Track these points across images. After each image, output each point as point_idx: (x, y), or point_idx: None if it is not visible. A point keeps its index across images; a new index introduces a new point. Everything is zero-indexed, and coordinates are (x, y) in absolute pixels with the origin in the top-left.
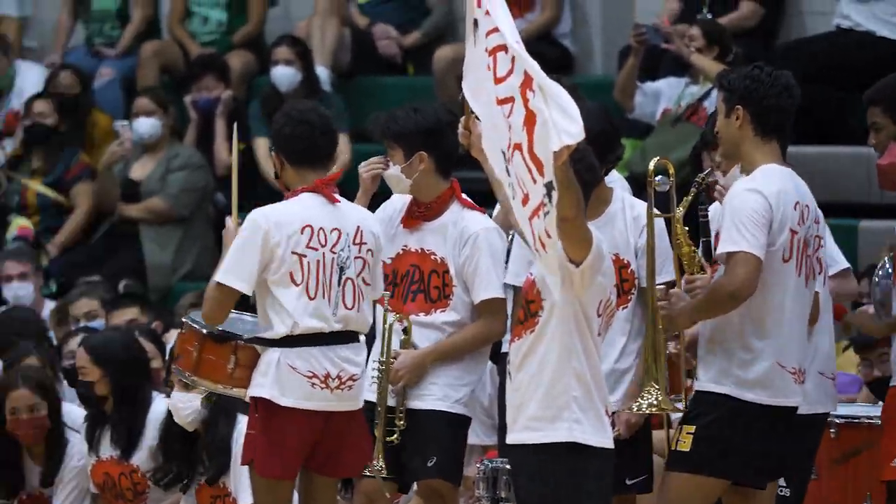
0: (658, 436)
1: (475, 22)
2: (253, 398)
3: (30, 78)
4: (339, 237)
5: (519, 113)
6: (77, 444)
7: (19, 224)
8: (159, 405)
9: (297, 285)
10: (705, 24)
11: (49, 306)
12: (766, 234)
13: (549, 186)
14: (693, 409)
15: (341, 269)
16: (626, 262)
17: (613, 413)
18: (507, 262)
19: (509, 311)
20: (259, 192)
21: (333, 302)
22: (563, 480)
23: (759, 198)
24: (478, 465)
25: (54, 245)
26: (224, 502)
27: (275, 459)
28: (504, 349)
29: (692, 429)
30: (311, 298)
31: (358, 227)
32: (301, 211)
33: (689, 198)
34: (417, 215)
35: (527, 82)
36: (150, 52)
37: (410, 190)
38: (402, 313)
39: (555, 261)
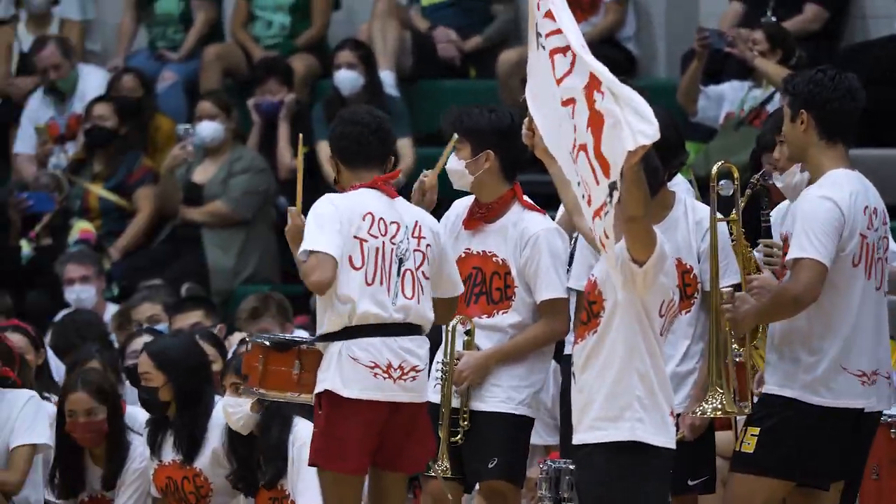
0: (721, 437)
1: (536, 26)
2: (317, 395)
3: (92, 82)
4: (398, 229)
5: (582, 114)
6: (139, 446)
7: (81, 227)
8: (220, 409)
9: (356, 269)
10: (769, 27)
11: (111, 310)
12: (837, 242)
13: (612, 187)
14: (758, 411)
15: (400, 261)
16: (688, 266)
17: (678, 416)
18: (569, 265)
19: (571, 313)
20: (322, 195)
21: (393, 291)
22: (622, 479)
23: (831, 205)
24: (541, 466)
25: (116, 249)
26: None
27: (341, 453)
28: (567, 350)
29: (756, 430)
30: (368, 284)
31: (416, 221)
32: (361, 200)
33: (744, 200)
34: (478, 216)
35: (592, 84)
36: (213, 56)
37: (471, 187)
38: (465, 315)
39: (612, 261)
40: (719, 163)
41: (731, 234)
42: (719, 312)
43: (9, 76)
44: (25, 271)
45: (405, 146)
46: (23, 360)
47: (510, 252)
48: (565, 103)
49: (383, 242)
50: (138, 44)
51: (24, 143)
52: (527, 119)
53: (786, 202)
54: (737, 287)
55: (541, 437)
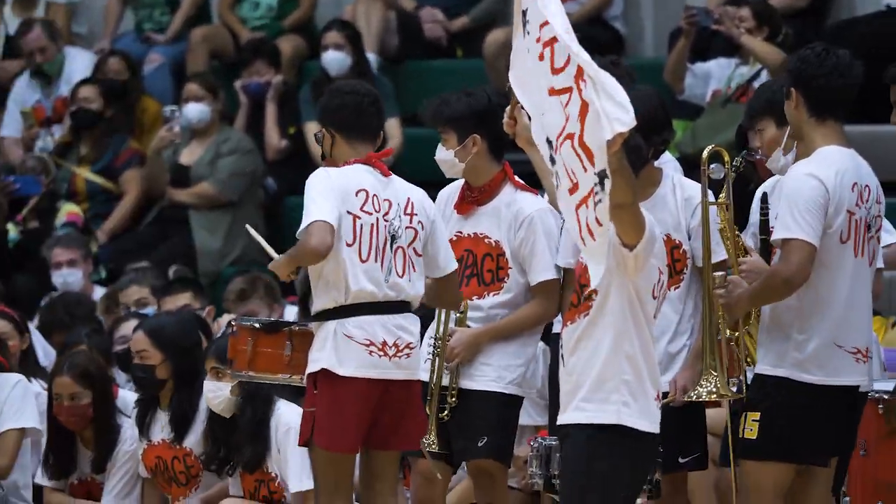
0: (711, 414)
1: (524, 12)
2: (311, 375)
3: (78, 64)
4: (390, 206)
5: (575, 103)
6: (129, 429)
7: (68, 210)
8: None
9: (348, 245)
10: (756, 4)
11: (98, 292)
12: (823, 220)
13: (601, 175)
14: (754, 394)
15: (393, 238)
16: (677, 242)
17: (670, 382)
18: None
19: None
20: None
21: (386, 268)
22: (602, 458)
23: (816, 182)
24: (531, 444)
25: (103, 231)
26: (269, 487)
27: (335, 431)
28: (555, 330)
29: (757, 416)
30: (363, 261)
31: (408, 198)
32: (356, 176)
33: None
34: (471, 200)
35: (579, 73)
36: (200, 38)
37: (464, 173)
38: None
39: (602, 249)
40: (710, 147)
41: (720, 218)
42: (712, 296)
43: None
44: (12, 255)
45: (393, 126)
46: (4, 344)
47: (504, 233)
48: (560, 91)
49: (377, 219)
50: (125, 26)
51: (10, 126)
52: (509, 107)
53: (776, 176)
54: (724, 265)
55: (530, 416)
